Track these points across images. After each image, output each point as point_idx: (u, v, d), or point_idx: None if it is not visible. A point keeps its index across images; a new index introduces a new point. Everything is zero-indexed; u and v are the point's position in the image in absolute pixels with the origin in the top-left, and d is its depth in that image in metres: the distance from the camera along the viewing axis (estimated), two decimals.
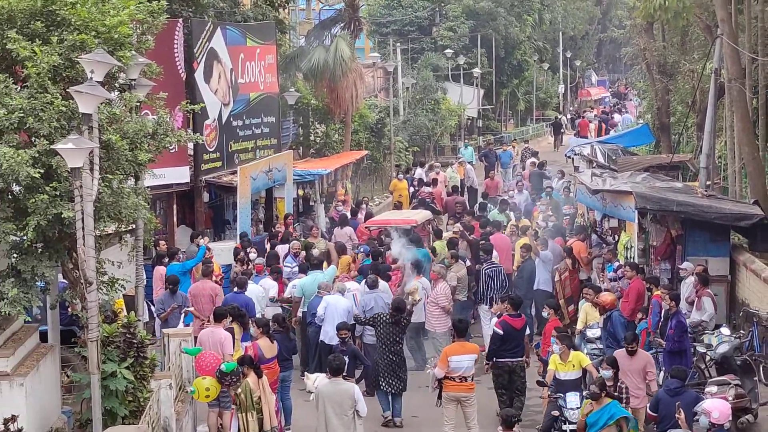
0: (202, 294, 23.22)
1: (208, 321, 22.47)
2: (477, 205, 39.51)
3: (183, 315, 22.88)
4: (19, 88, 15.73)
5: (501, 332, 20.15)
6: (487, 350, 21.14)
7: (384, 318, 21.34)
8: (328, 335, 22.40)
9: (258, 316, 22.15)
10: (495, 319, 21.20)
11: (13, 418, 15.14)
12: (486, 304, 24.95)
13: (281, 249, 28.30)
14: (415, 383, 22.38)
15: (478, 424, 19.49)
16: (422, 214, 32.82)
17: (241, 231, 30.21)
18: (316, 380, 18.02)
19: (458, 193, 42.30)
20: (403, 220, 31.56)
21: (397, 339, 21.33)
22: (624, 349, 18.95)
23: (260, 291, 24.15)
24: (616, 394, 17.80)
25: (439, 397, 19.19)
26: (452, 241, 28.27)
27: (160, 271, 24.66)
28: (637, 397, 18.64)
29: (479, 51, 72.50)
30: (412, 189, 43.39)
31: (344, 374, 17.90)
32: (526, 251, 26.72)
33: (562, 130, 75.00)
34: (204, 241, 26.66)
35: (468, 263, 26.62)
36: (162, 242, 27.00)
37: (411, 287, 23.85)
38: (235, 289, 23.18)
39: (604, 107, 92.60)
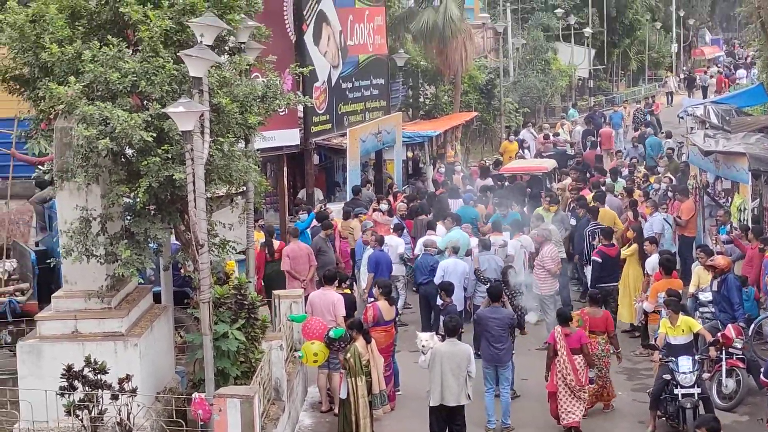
0: (300, 255, 23.66)
1: (309, 281, 22.85)
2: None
3: None
4: (131, 51, 15.91)
5: (600, 260, 23.46)
6: (589, 280, 24.24)
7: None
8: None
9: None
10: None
11: (128, 378, 15.37)
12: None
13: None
14: (524, 346, 22.30)
15: None
16: (550, 162, 34.59)
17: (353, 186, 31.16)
18: (426, 340, 17.95)
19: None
20: (535, 167, 34.28)
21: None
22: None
23: (402, 244, 25.09)
24: None
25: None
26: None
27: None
28: None
29: (590, 10, 71.68)
30: (521, 151, 43.24)
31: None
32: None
33: (696, 84, 73.50)
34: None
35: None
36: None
37: None
38: (377, 247, 23.54)
39: (723, 65, 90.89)
